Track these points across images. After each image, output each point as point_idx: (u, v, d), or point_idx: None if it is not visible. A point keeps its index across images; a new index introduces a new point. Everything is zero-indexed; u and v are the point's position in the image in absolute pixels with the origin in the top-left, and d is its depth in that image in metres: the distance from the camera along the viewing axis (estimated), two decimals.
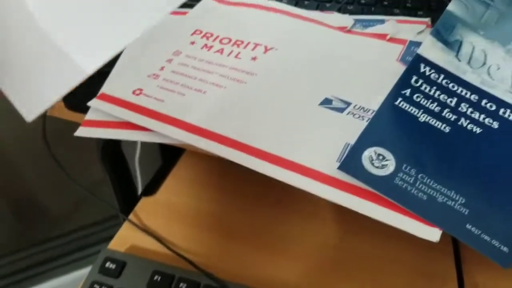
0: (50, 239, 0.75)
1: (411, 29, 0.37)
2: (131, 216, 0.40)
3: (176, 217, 0.40)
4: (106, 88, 0.36)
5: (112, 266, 0.35)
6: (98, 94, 0.35)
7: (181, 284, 0.34)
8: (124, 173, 0.43)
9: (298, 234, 0.38)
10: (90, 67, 0.26)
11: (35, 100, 0.26)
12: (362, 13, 0.42)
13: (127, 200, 0.42)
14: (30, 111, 0.26)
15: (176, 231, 0.39)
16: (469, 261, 0.36)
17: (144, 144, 0.55)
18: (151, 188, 0.43)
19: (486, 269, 0.35)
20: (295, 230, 0.38)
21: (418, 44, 0.35)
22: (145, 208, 0.41)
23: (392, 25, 0.37)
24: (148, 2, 0.27)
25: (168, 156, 0.46)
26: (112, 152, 0.41)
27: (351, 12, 0.42)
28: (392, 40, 0.36)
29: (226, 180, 0.42)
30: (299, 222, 0.39)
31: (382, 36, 0.37)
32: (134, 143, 0.56)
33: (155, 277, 0.34)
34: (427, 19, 0.39)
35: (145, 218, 0.40)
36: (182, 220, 0.40)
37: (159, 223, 0.40)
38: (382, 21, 0.38)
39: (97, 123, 0.34)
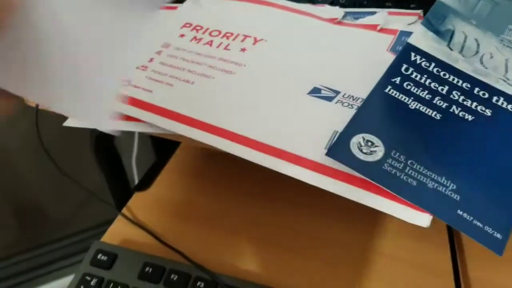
0: (51, 241, 0.75)
1: (402, 20, 0.37)
2: (124, 210, 0.40)
3: (168, 211, 0.40)
4: None
5: (104, 258, 0.35)
6: None
7: (172, 276, 0.33)
8: (118, 168, 0.43)
9: (291, 226, 0.37)
10: None
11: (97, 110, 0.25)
12: (354, 6, 0.42)
13: (121, 195, 0.42)
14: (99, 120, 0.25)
15: (168, 225, 0.39)
16: (465, 254, 0.35)
17: (141, 143, 0.55)
18: (144, 183, 0.43)
19: (481, 261, 0.34)
20: (288, 222, 0.38)
21: (409, 34, 0.35)
22: (137, 203, 0.41)
23: (383, 16, 0.37)
24: None
25: (162, 152, 0.46)
26: (105, 147, 0.41)
27: (343, 6, 0.41)
28: (382, 30, 0.36)
29: (218, 174, 0.42)
30: (293, 215, 0.38)
31: (372, 27, 0.36)
32: (131, 141, 0.56)
33: (146, 269, 0.34)
34: (419, 11, 0.38)
35: (138, 212, 0.40)
36: (174, 214, 0.40)
37: (151, 217, 0.39)
38: (373, 13, 0.38)
39: None
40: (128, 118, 0.33)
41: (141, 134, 0.54)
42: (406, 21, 0.37)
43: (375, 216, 0.40)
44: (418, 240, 0.36)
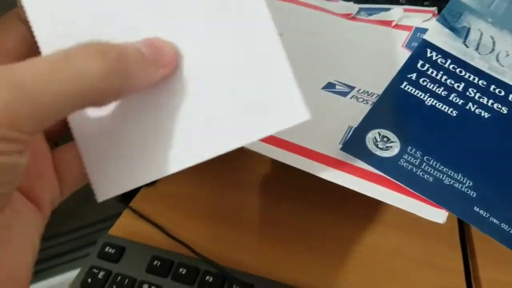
0: (58, 235, 0.75)
1: (417, 17, 0.37)
2: (131, 204, 0.40)
3: (176, 205, 0.39)
4: None
5: (112, 251, 0.35)
6: None
7: (180, 269, 0.33)
8: None
9: (299, 222, 0.37)
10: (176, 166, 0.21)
11: (110, 181, 0.22)
12: (367, 3, 0.42)
13: (128, 193, 0.42)
14: (102, 192, 0.22)
15: (175, 219, 0.38)
16: (476, 254, 0.34)
17: None
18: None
19: (493, 261, 0.33)
20: (296, 218, 0.37)
21: (424, 30, 0.35)
22: (145, 198, 0.40)
23: (398, 11, 0.37)
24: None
25: None
26: None
27: (357, 2, 0.41)
28: (397, 26, 0.36)
29: (225, 168, 0.42)
30: (301, 211, 0.38)
31: (387, 23, 0.36)
32: None
33: (155, 262, 0.33)
34: (434, 8, 0.38)
35: (145, 206, 0.39)
36: (182, 209, 0.39)
37: (158, 211, 0.39)
38: (387, 9, 0.38)
39: None
40: None
41: None
42: (421, 18, 0.37)
43: (385, 214, 0.39)
44: (429, 238, 0.36)
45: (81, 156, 0.22)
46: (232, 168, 0.42)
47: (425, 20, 0.37)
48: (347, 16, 0.37)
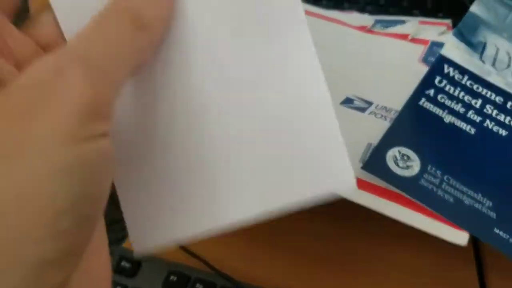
0: None
1: (432, 30, 0.37)
2: None
3: None
4: None
5: (127, 265, 0.35)
6: None
7: (197, 285, 0.33)
8: None
9: (315, 236, 0.37)
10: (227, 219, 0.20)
11: (150, 236, 0.21)
12: (380, 14, 0.42)
13: None
14: (140, 247, 0.21)
15: None
16: (491, 270, 0.35)
17: None
18: None
19: (508, 277, 0.34)
20: (311, 231, 0.38)
21: (440, 44, 0.35)
22: None
23: (414, 25, 0.37)
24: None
25: None
26: None
27: (370, 13, 0.41)
28: (413, 40, 0.36)
29: None
30: (316, 224, 0.38)
31: (403, 36, 0.36)
32: None
33: (171, 277, 0.34)
34: (448, 21, 0.38)
35: None
36: None
37: None
38: (403, 22, 0.38)
39: None
40: None
41: None
42: (436, 31, 0.37)
43: (399, 229, 0.39)
44: (442, 254, 0.36)
45: (122, 209, 0.21)
46: None
47: (440, 33, 0.37)
48: (363, 28, 0.37)
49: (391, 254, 0.37)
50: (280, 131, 0.19)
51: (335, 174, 0.19)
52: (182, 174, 0.20)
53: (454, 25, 0.38)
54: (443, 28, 0.38)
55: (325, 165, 0.19)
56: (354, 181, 0.19)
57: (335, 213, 0.39)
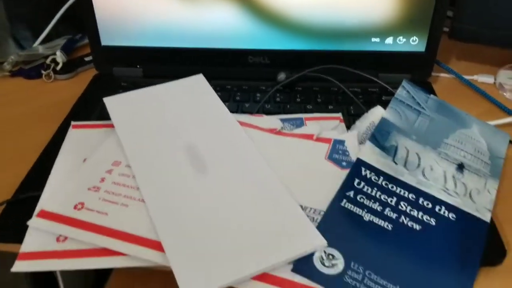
0: None
1: (329, 125, 0.45)
2: None
3: None
4: (45, 204, 0.38)
5: None
6: (38, 212, 0.37)
7: None
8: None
9: None
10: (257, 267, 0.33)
11: (199, 280, 0.32)
12: (279, 110, 0.50)
13: None
14: None
15: None
16: None
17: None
18: None
19: None
20: None
21: (341, 142, 0.43)
22: None
23: (315, 125, 0.45)
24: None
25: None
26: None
27: (270, 111, 0.50)
28: (318, 139, 0.43)
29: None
30: None
31: (309, 137, 0.44)
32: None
33: None
34: (339, 115, 0.47)
35: None
36: None
37: None
38: (302, 119, 0.46)
39: (35, 255, 0.34)
40: (79, 254, 0.34)
41: None
42: (331, 126, 0.45)
43: None
44: None
45: (165, 251, 0.34)
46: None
47: (334, 128, 0.45)
48: (273, 131, 0.45)
49: None
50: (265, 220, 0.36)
51: (308, 239, 0.34)
52: (207, 230, 0.35)
53: (345, 116, 0.47)
54: (336, 122, 0.46)
55: (299, 233, 0.35)
56: (324, 241, 0.34)
57: None
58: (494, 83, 0.57)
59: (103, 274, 0.51)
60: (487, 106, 0.53)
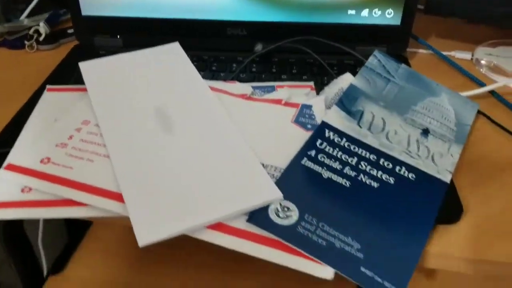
0: None
1: (300, 92, 0.46)
2: None
3: None
4: (13, 158, 0.39)
5: None
6: (5, 165, 0.38)
7: None
8: (28, 254, 0.45)
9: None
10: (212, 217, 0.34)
11: (154, 228, 0.33)
12: (253, 80, 0.51)
13: (33, 282, 0.44)
14: (145, 237, 0.32)
15: None
16: None
17: (46, 224, 0.56)
18: (58, 265, 0.44)
19: None
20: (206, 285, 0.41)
21: (309, 106, 0.43)
22: (53, 286, 0.43)
23: (285, 91, 0.46)
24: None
25: (74, 230, 0.48)
26: (14, 234, 0.43)
27: (244, 80, 0.51)
28: (287, 104, 0.44)
29: (134, 249, 0.45)
30: (216, 282, 0.42)
31: (278, 101, 0.44)
32: (36, 224, 0.57)
33: None
34: (311, 83, 0.48)
35: None
36: None
37: None
38: (274, 88, 0.47)
39: (1, 205, 0.36)
40: (40, 204, 0.36)
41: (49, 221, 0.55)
42: (302, 93, 0.45)
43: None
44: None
45: (125, 201, 0.34)
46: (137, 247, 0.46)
47: (306, 95, 0.46)
48: (244, 96, 0.45)
49: None
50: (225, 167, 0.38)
51: (265, 191, 0.35)
52: (167, 183, 0.36)
53: (317, 85, 0.48)
54: (308, 90, 0.47)
55: (256, 186, 0.36)
56: (280, 194, 0.35)
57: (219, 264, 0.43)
58: (471, 59, 0.57)
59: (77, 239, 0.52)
60: (462, 80, 0.54)
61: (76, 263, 0.47)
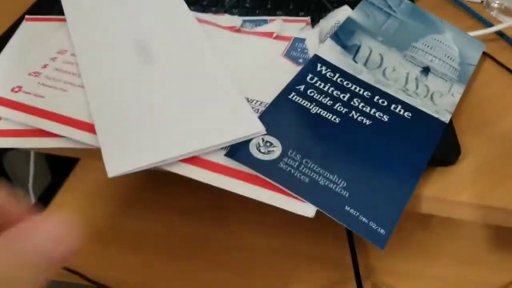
0: None
1: (294, 27, 0.42)
2: None
3: None
4: None
5: None
6: None
7: None
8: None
9: (197, 235, 0.39)
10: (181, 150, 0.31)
11: (124, 159, 0.31)
12: (247, 15, 0.47)
13: None
14: (114, 168, 0.30)
15: None
16: (365, 245, 0.37)
17: (37, 170, 0.55)
18: (40, 205, 0.43)
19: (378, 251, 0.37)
20: (194, 231, 0.39)
21: (302, 40, 0.40)
22: None
23: (278, 23, 0.42)
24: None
25: (57, 171, 0.47)
26: None
27: (238, 15, 0.47)
28: (278, 37, 0.41)
29: (119, 189, 0.44)
30: (201, 228, 0.40)
31: (269, 34, 0.41)
32: (26, 169, 0.56)
33: None
34: (307, 18, 0.44)
35: None
36: None
37: None
38: (267, 21, 0.43)
39: None
40: (12, 133, 0.34)
41: (36, 160, 0.54)
42: (297, 28, 0.42)
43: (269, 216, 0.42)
44: (317, 235, 0.39)
45: (96, 132, 0.32)
46: (124, 189, 0.44)
47: (301, 29, 0.42)
48: (232, 28, 0.42)
49: (264, 241, 0.39)
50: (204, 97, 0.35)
51: (246, 125, 0.32)
52: (142, 115, 0.34)
53: (314, 21, 0.44)
54: (303, 24, 0.43)
55: (237, 120, 0.33)
56: (262, 128, 0.32)
57: (203, 210, 0.42)
58: (482, 1, 0.53)
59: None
60: (471, 22, 0.50)
61: (58, 204, 0.46)
